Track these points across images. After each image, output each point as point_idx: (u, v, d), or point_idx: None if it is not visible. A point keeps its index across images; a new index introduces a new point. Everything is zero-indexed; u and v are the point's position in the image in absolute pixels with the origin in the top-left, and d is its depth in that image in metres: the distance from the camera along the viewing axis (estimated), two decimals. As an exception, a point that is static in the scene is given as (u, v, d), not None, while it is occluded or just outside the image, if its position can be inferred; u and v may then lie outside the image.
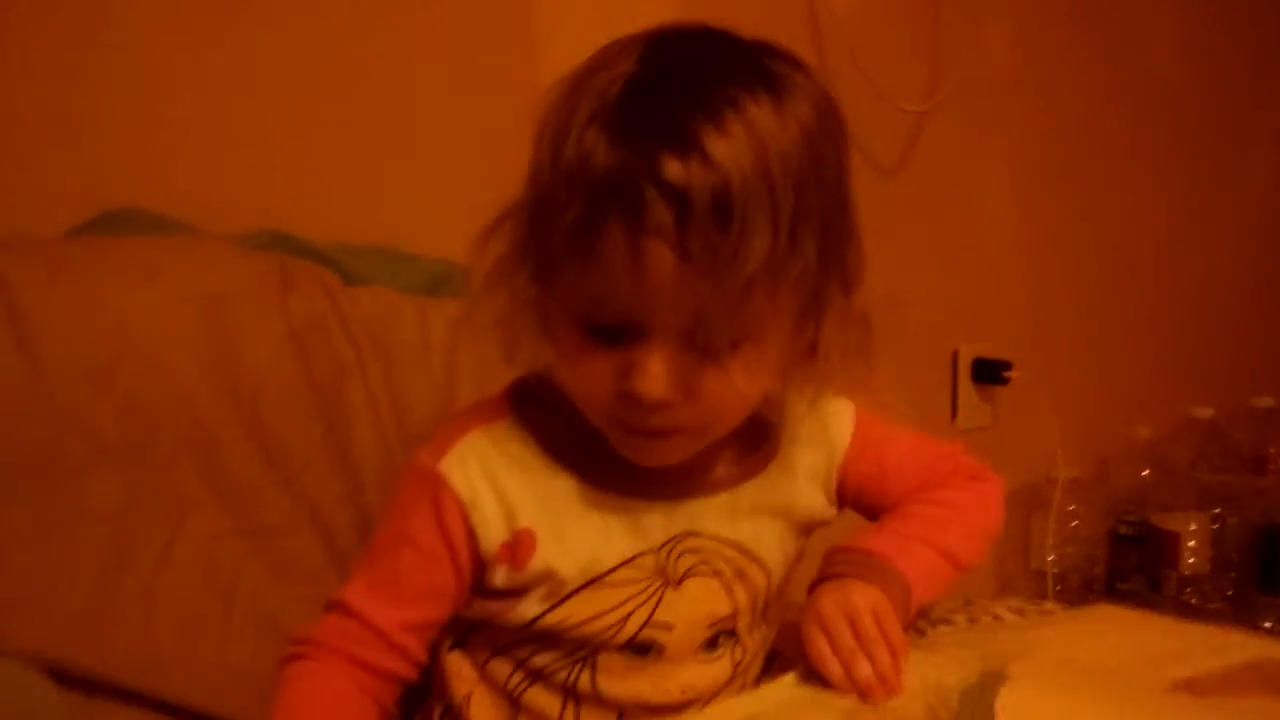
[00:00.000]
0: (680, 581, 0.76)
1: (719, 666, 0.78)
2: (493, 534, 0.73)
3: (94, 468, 0.78)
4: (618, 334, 0.67)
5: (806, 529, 0.83)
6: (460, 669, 0.78)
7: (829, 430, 0.82)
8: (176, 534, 0.81)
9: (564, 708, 0.76)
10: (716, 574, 0.77)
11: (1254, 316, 2.25)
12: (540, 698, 0.76)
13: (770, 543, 0.79)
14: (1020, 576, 1.80)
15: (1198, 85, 2.09)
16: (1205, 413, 1.89)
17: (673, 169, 0.61)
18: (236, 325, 0.87)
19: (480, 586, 0.75)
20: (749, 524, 0.78)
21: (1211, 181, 2.16)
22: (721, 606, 0.77)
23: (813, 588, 0.79)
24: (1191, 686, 0.72)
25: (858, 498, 0.84)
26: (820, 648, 0.73)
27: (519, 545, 0.73)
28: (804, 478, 0.81)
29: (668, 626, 0.75)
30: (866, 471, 0.83)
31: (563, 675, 0.76)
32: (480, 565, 0.74)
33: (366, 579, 0.74)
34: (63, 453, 0.77)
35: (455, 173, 1.14)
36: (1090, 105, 1.89)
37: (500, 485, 0.73)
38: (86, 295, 0.81)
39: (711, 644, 0.78)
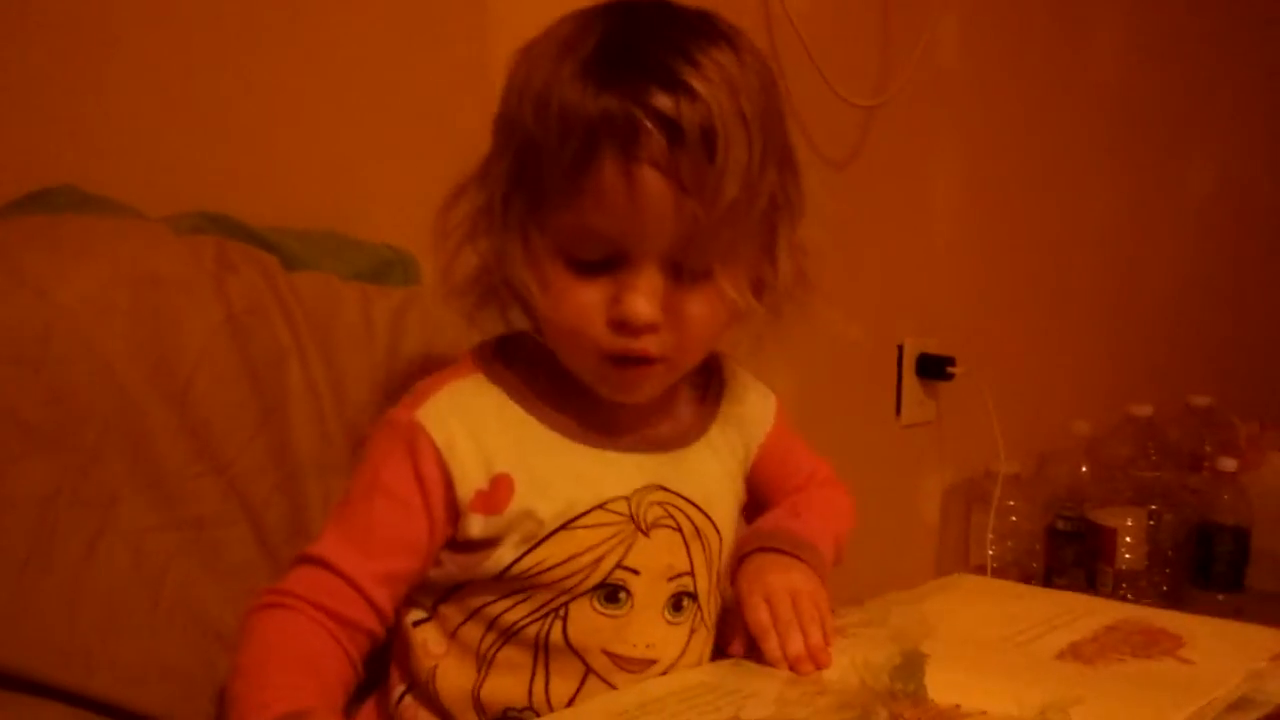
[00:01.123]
0: (649, 530, 0.79)
1: (681, 631, 0.81)
2: (470, 480, 0.75)
3: (19, 455, 0.75)
4: (603, 265, 0.74)
5: (740, 504, 0.88)
6: (426, 642, 0.79)
7: (762, 404, 0.90)
8: (103, 525, 0.78)
9: (535, 664, 0.77)
10: (679, 529, 0.81)
11: (1193, 317, 2.28)
12: (512, 657, 0.77)
13: (723, 509, 0.85)
14: (960, 570, 1.81)
15: (1145, 85, 2.12)
16: (1144, 410, 1.92)
17: (664, 102, 0.69)
18: (170, 309, 0.84)
19: (454, 542, 0.77)
20: (706, 486, 0.83)
21: (1154, 182, 2.19)
22: (680, 561, 0.81)
23: (743, 559, 0.84)
24: (1076, 653, 0.81)
25: (758, 486, 0.90)
26: (761, 617, 0.79)
27: (497, 491, 0.76)
28: (739, 454, 0.88)
29: (635, 571, 0.78)
30: (775, 462, 0.90)
31: (534, 629, 0.77)
32: (454, 516, 0.76)
33: (337, 531, 0.75)
34: (-13, 438, 0.75)
35: (400, 156, 1.12)
36: (1037, 104, 1.91)
37: (477, 433, 0.76)
38: (15, 275, 0.79)
39: (676, 606, 0.80)
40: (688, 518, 0.81)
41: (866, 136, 1.61)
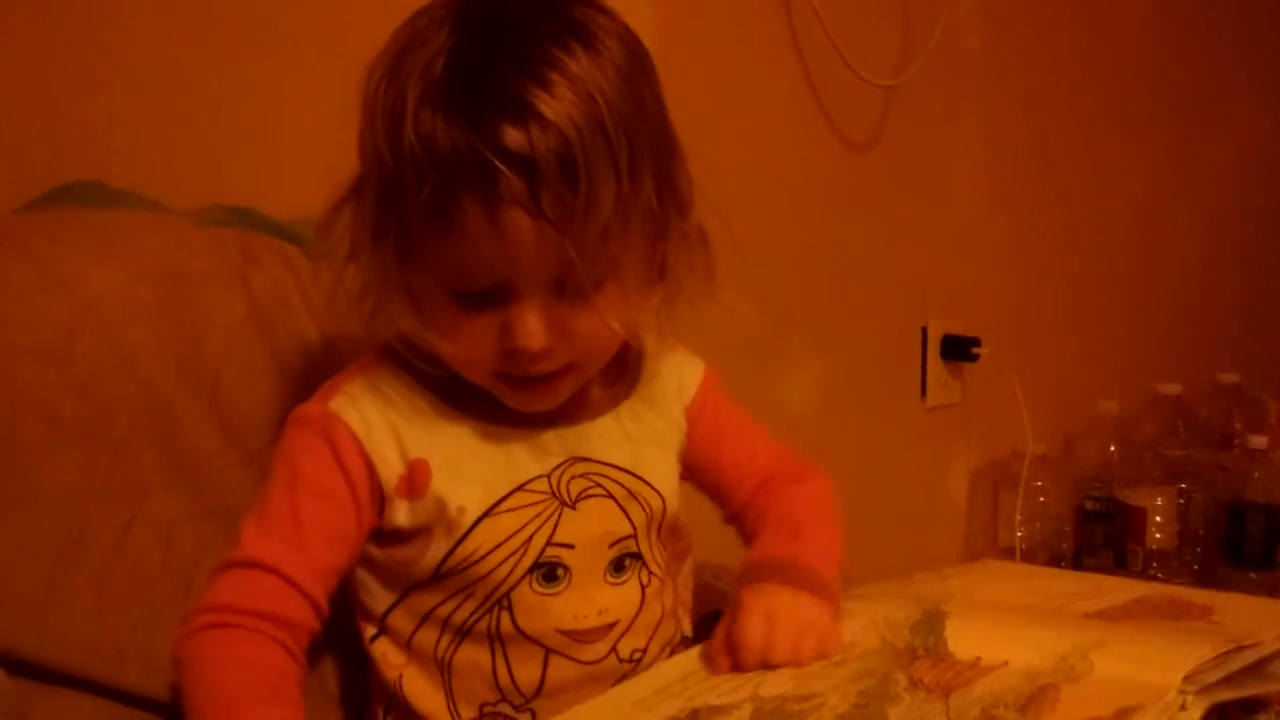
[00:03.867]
0: (576, 503, 0.78)
1: (629, 590, 0.80)
2: (390, 465, 0.75)
3: (49, 449, 0.76)
4: (487, 297, 0.72)
5: (682, 464, 0.86)
6: (385, 655, 0.79)
7: (680, 373, 0.87)
8: (134, 517, 0.79)
9: (493, 657, 0.77)
10: (610, 495, 0.80)
11: (1221, 294, 2.26)
12: (469, 654, 0.77)
13: (657, 470, 0.83)
14: (988, 553, 1.81)
15: (1167, 62, 2.09)
16: (1172, 389, 1.90)
17: (514, 138, 0.66)
18: (197, 301, 0.85)
19: (383, 535, 0.77)
20: (633, 449, 0.82)
21: (1180, 159, 2.17)
22: (620, 526, 0.80)
23: (747, 583, 0.77)
24: (1101, 616, 0.78)
25: (697, 455, 0.87)
26: (751, 635, 0.72)
27: (415, 475, 0.76)
28: (667, 412, 0.85)
29: (569, 545, 0.77)
30: (707, 427, 0.87)
31: (484, 624, 0.77)
32: (379, 503, 0.76)
33: (262, 531, 0.74)
34: (17, 433, 0.75)
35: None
36: (1060, 82, 1.89)
37: (391, 420, 0.76)
38: (43, 270, 0.79)
39: (618, 567, 0.80)
40: (617, 483, 0.80)
41: (887, 117, 1.60)
